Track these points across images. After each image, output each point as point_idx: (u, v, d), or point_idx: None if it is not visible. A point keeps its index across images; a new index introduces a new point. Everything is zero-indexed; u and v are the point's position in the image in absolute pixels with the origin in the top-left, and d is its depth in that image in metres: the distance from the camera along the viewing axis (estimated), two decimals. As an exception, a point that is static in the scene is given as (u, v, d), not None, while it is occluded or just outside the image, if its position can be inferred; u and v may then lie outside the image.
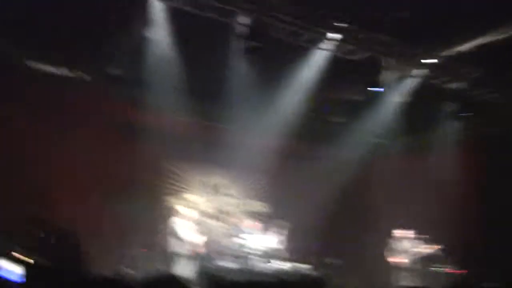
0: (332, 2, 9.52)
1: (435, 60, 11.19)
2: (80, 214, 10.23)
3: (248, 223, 12.03)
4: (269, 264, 10.97)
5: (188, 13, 9.32)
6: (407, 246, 11.84)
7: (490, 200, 11.88)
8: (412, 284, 10.92)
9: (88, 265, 8.12)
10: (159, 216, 11.40)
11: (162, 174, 12.50)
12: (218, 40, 9.73)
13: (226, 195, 13.44)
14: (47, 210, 9.86)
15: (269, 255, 11.14)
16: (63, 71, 11.21)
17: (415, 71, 11.47)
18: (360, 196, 13.96)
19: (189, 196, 12.87)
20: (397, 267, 11.79)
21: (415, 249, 11.71)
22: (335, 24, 10.06)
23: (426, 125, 12.71)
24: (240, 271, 10.27)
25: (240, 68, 10.09)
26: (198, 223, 11.57)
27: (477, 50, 10.37)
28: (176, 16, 9.46)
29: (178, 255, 10.31)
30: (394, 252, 11.91)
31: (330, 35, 10.22)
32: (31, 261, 7.90)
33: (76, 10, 8.95)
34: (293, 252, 11.71)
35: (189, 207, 11.71)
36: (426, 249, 11.59)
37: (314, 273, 10.88)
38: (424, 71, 11.41)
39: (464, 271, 11.15)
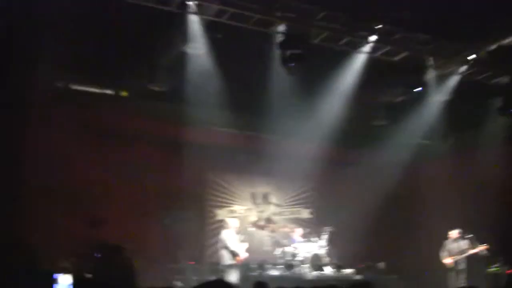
0: (368, 4, 9.47)
1: (477, 56, 10.97)
2: (129, 231, 10.40)
3: (295, 231, 12.05)
4: (317, 271, 10.95)
5: (226, 25, 9.40)
6: (457, 247, 11.65)
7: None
8: (463, 284, 10.76)
9: (136, 279, 8.24)
10: (207, 229, 11.51)
11: (208, 187, 12.64)
12: (258, 51, 9.79)
13: (273, 204, 13.48)
14: (97, 227, 10.04)
15: (316, 261, 11.13)
16: (105, 90, 11.46)
17: (457, 69, 11.27)
18: (407, 199, 13.77)
19: (236, 207, 12.98)
20: (448, 268, 11.62)
21: (465, 250, 11.50)
22: (374, 26, 9.98)
23: (472, 123, 12.43)
24: (288, 279, 10.25)
25: (280, 77, 10.09)
26: (245, 233, 11.63)
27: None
28: (214, 29, 9.55)
29: (227, 266, 10.37)
30: (444, 253, 11.74)
31: (369, 37, 10.15)
32: (83, 276, 8.22)
33: (115, 29, 9.14)
34: (340, 258, 11.68)
35: (236, 218, 11.80)
36: (476, 249, 11.35)
37: (362, 278, 10.79)
38: (466, 68, 11.20)
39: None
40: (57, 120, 10.36)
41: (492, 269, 11.20)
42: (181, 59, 9.96)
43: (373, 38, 10.14)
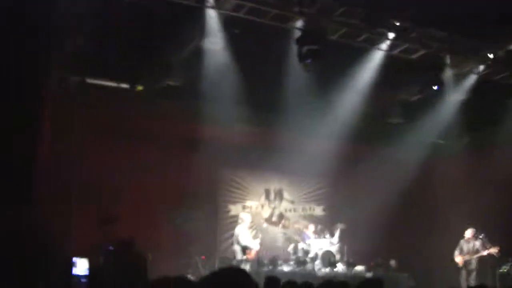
0: (387, 0, 9.39)
1: (494, 56, 10.85)
2: (142, 228, 10.42)
3: (308, 227, 12.04)
4: (328, 267, 10.94)
5: (244, 21, 9.34)
6: (470, 247, 11.60)
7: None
8: (476, 283, 10.66)
9: (148, 271, 8.29)
10: (221, 223, 11.51)
11: (223, 183, 12.64)
12: (275, 47, 9.75)
13: (287, 200, 13.46)
14: (111, 225, 10.07)
15: (328, 258, 11.11)
16: (121, 84, 11.43)
17: (474, 68, 11.17)
18: (420, 197, 13.70)
19: (249, 203, 12.97)
20: (462, 267, 11.59)
21: (477, 251, 11.46)
22: (392, 23, 9.88)
23: (488, 122, 12.35)
24: (301, 275, 10.24)
25: (297, 73, 10.03)
26: (258, 229, 11.63)
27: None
28: (232, 25, 9.49)
29: (239, 261, 10.39)
30: (459, 252, 11.70)
31: (387, 34, 10.06)
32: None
33: (133, 23, 9.12)
34: (352, 255, 11.67)
35: (250, 214, 11.80)
36: (488, 251, 11.29)
37: (373, 275, 10.76)
38: (484, 67, 11.09)
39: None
40: (74, 117, 10.38)
41: (503, 269, 11.12)
42: (198, 54, 9.91)
43: (392, 35, 10.04)
